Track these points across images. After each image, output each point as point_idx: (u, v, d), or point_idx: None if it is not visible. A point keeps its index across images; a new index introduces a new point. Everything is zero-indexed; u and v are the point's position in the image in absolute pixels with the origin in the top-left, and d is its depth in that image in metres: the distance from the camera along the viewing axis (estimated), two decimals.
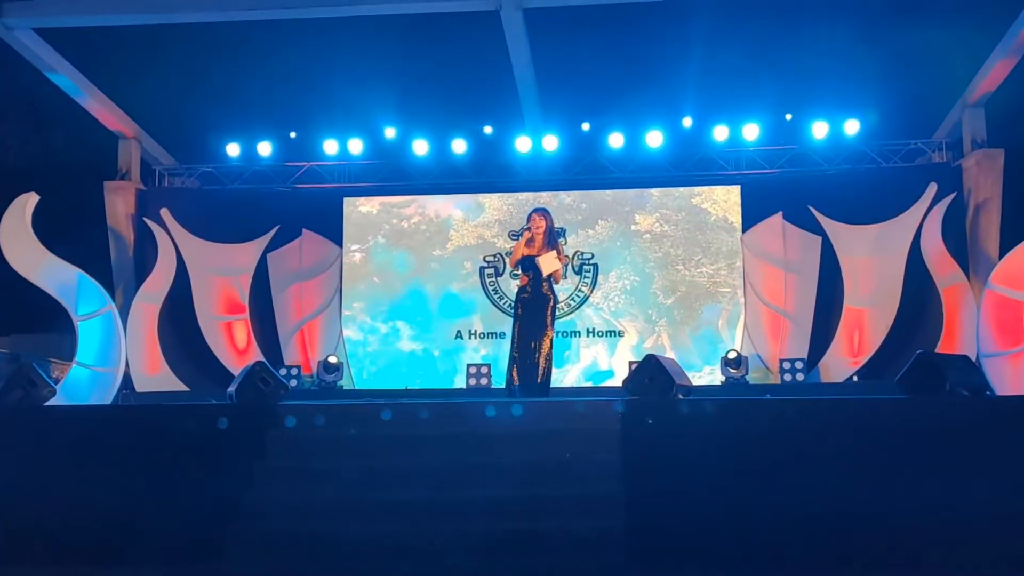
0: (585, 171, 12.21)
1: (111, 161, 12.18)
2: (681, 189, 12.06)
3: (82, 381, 9.81)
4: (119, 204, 12.03)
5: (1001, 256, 9.78)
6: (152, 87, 11.28)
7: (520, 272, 7.51)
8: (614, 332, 11.88)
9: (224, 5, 9.76)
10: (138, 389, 11.18)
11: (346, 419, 5.71)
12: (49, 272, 9.97)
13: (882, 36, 10.11)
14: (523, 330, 7.31)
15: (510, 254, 11.63)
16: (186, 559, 5.00)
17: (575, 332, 11.86)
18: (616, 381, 11.08)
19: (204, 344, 11.86)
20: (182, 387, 11.36)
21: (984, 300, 9.26)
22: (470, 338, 12.02)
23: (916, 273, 11.02)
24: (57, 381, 8.43)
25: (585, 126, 12.04)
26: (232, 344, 11.98)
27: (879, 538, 4.81)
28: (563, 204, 12.09)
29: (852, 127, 11.61)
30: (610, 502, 5.01)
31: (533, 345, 7.26)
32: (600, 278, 12.00)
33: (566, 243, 11.87)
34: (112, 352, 9.98)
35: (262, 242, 12.18)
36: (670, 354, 11.11)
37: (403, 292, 12.24)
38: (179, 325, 11.95)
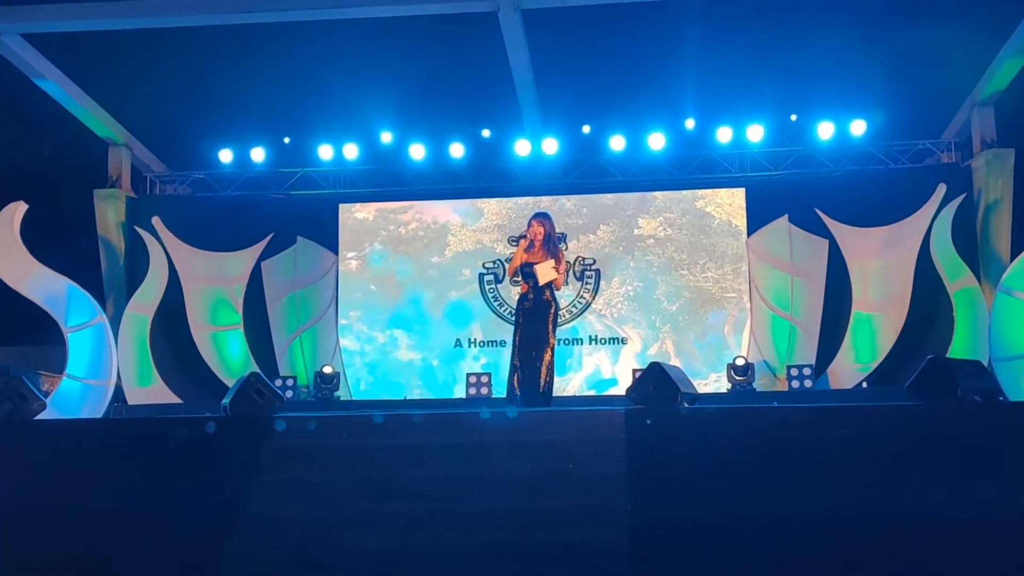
0: (586, 175, 12.22)
1: (101, 168, 12.18)
2: (684, 192, 12.07)
3: (73, 394, 9.81)
4: (109, 212, 12.04)
5: (1013, 258, 9.78)
6: (143, 93, 11.30)
7: (520, 279, 7.51)
8: (617, 339, 11.88)
9: (216, 8, 9.78)
10: (130, 402, 11.16)
11: (341, 430, 5.70)
12: (38, 283, 9.97)
13: (888, 33, 10.13)
14: (524, 338, 7.31)
15: (510, 260, 11.71)
16: (180, 574, 4.99)
17: (577, 340, 11.86)
18: (619, 390, 11.07)
19: (197, 355, 11.86)
20: (175, 399, 11.35)
21: (996, 303, 9.26)
22: (470, 347, 12.02)
23: (926, 276, 11.01)
24: (47, 394, 8.42)
25: (585, 129, 12.05)
26: (226, 355, 11.97)
27: (888, 546, 4.80)
28: (564, 209, 12.10)
29: (858, 127, 11.62)
30: (614, 513, 5.00)
31: (534, 353, 7.25)
32: (602, 284, 12.00)
33: (567, 248, 11.88)
34: (103, 364, 9.98)
35: (256, 250, 12.19)
36: (675, 361, 11.12)
37: (401, 300, 12.24)
38: (172, 336, 11.95)
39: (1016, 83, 10.50)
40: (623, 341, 11.86)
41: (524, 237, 7.50)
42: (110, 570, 5.08)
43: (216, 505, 5.20)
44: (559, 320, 7.66)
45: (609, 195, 12.20)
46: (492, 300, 12.09)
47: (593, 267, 12.05)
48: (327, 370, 11.44)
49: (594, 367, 11.85)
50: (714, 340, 11.72)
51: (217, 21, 9.88)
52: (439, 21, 9.96)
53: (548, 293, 7.37)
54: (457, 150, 12.15)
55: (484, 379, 11.11)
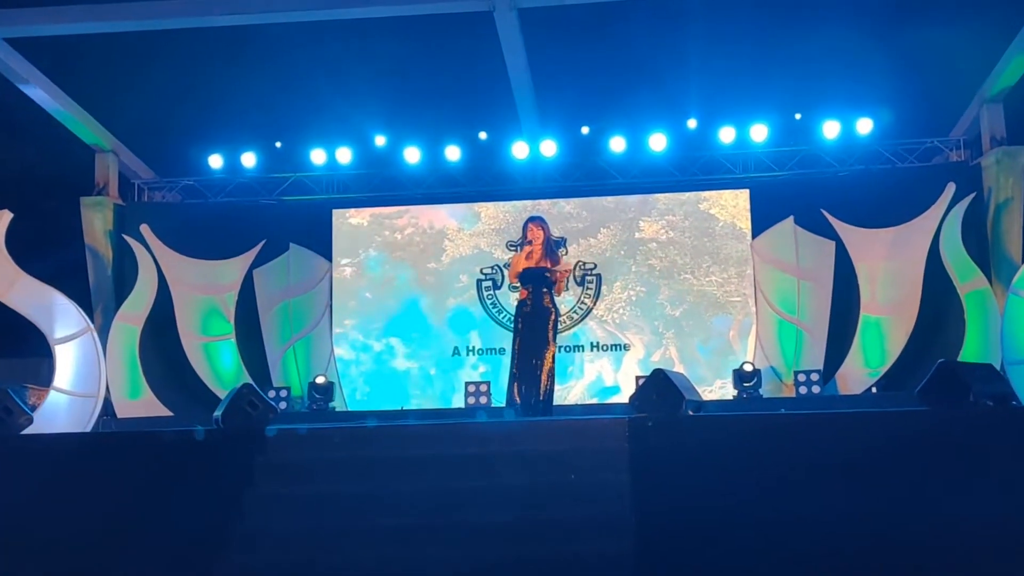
0: (585, 177, 12.24)
1: (88, 176, 12.19)
2: (687, 194, 12.08)
3: (60, 408, 9.78)
4: (97, 220, 12.04)
5: None
6: (130, 98, 11.30)
7: (520, 285, 7.51)
8: (619, 346, 11.87)
9: (204, 10, 9.80)
10: (119, 415, 11.16)
11: (335, 441, 5.70)
12: (24, 293, 9.95)
13: (895, 29, 10.14)
14: (524, 345, 7.31)
15: (508, 266, 11.71)
16: None
17: (578, 346, 11.86)
18: (622, 397, 11.07)
19: (188, 366, 11.85)
20: (166, 412, 11.33)
21: (1008, 304, 9.25)
22: (468, 355, 12.01)
23: (935, 278, 11.02)
24: (34, 408, 8.40)
25: (585, 130, 12.07)
26: (217, 366, 11.96)
27: (899, 555, 4.80)
28: (563, 212, 12.10)
29: (865, 126, 11.64)
30: (618, 525, 4.99)
31: (535, 361, 7.25)
32: (603, 289, 12.00)
33: (567, 253, 11.88)
34: (91, 376, 9.94)
35: (247, 258, 12.18)
36: (679, 368, 11.10)
37: (397, 308, 12.23)
38: (162, 347, 11.94)
39: None
40: (625, 347, 11.86)
41: (528, 242, 7.48)
42: None
43: (208, 520, 5.19)
44: (560, 326, 7.64)
45: (610, 198, 12.21)
46: (491, 306, 12.09)
47: (594, 272, 12.05)
48: (321, 380, 11.43)
49: (596, 374, 11.84)
50: (719, 346, 11.72)
51: (206, 23, 9.90)
52: (434, 21, 9.98)
53: (548, 299, 7.37)
54: (453, 153, 12.16)
55: (483, 388, 11.10)
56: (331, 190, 12.54)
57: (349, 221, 12.50)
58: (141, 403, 11.48)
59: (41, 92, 10.83)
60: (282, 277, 12.25)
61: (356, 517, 5.23)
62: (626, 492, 5.14)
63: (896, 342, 11.06)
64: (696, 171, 12.04)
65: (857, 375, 11.17)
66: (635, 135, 11.91)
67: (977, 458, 5.03)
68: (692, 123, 11.84)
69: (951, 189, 11.13)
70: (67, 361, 9.94)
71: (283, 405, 11.07)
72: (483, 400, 10.98)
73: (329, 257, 12.35)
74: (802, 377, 10.97)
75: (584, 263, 12.05)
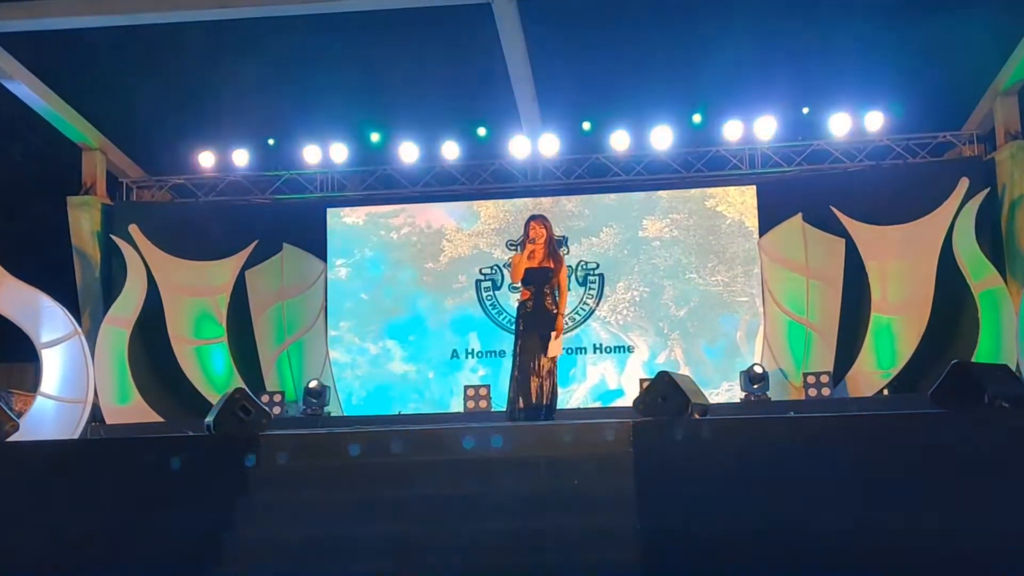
0: (587, 174, 12.24)
1: (74, 175, 12.18)
2: (692, 191, 12.08)
3: (47, 414, 9.79)
4: (84, 221, 12.03)
5: None
6: (117, 94, 11.30)
7: (521, 286, 7.49)
8: (623, 348, 11.86)
9: (194, 3, 9.79)
10: (108, 421, 11.14)
11: (328, 449, 5.69)
12: (9, 296, 9.96)
13: (905, 21, 10.14)
14: (525, 348, 7.29)
15: (508, 266, 11.69)
16: None
17: (581, 348, 11.85)
18: (626, 401, 11.07)
19: (179, 371, 11.84)
20: (156, 418, 11.33)
21: (1023, 303, 9.26)
22: (467, 358, 12.00)
23: (949, 276, 11.01)
24: (20, 414, 8.41)
25: (586, 125, 12.06)
26: (209, 370, 11.96)
27: (912, 561, 4.78)
28: (564, 210, 12.10)
29: (875, 120, 11.63)
30: (622, 534, 4.98)
31: (536, 364, 7.23)
32: (606, 289, 11.99)
33: (568, 252, 11.88)
34: (79, 382, 9.96)
35: (240, 258, 12.18)
36: (684, 370, 11.09)
37: (393, 309, 12.23)
38: (151, 351, 11.93)
39: None
40: (629, 349, 11.85)
41: (530, 241, 7.46)
42: None
43: (199, 530, 5.18)
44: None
45: (612, 195, 12.21)
46: (490, 308, 12.08)
47: (596, 272, 12.04)
48: (312, 385, 11.42)
49: (599, 377, 11.83)
50: (726, 347, 11.71)
51: (195, 17, 9.89)
52: (431, 14, 9.98)
53: (551, 300, 7.35)
54: (451, 150, 12.15)
55: (483, 392, 11.09)
56: (325, 188, 12.53)
57: (344, 220, 12.49)
58: (130, 409, 11.47)
59: (25, 88, 10.82)
60: (275, 278, 12.25)
61: (351, 525, 5.22)
62: (630, 499, 5.13)
63: (908, 343, 11.05)
64: (701, 167, 12.04)
65: (868, 377, 11.16)
66: (638, 131, 11.90)
67: (993, 461, 5.02)
68: (697, 118, 11.83)
69: (964, 185, 11.12)
70: (54, 366, 9.95)
71: (277, 410, 11.06)
72: (483, 404, 10.97)
73: (324, 257, 12.34)
74: (811, 379, 10.96)
75: (586, 263, 12.04)
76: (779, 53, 10.62)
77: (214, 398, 10.42)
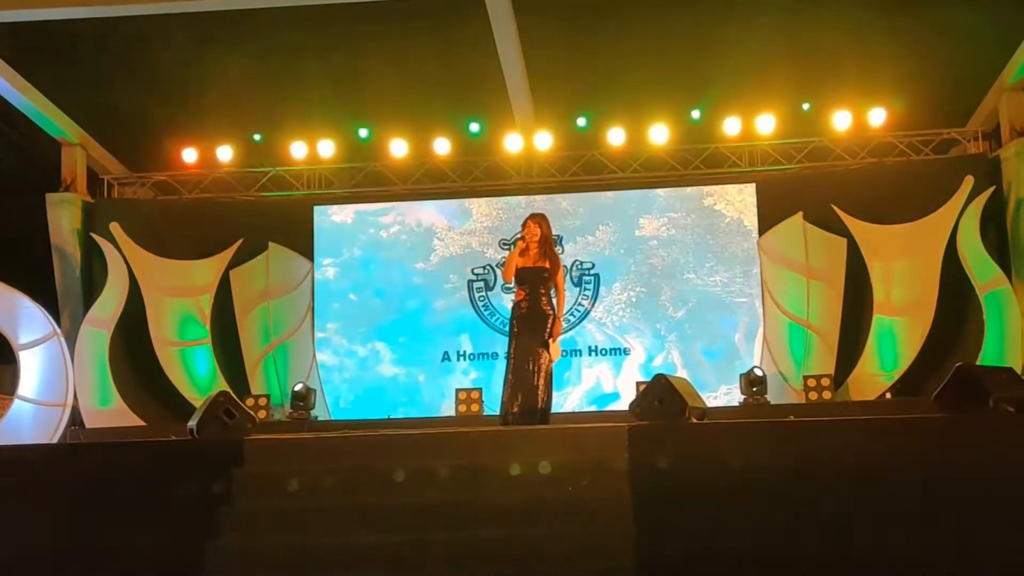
0: (582, 171, 12.23)
1: (54, 171, 12.14)
2: (690, 189, 12.08)
3: (25, 417, 9.78)
4: (63, 219, 11.99)
5: None
6: (98, 88, 11.28)
7: (515, 286, 7.49)
8: (619, 350, 11.87)
9: None
10: (88, 425, 11.11)
11: (315, 455, 5.68)
12: None
13: (909, 14, 10.16)
14: (519, 350, 7.28)
15: (501, 266, 11.68)
16: None
17: (575, 351, 11.84)
18: (622, 404, 11.04)
19: (161, 373, 11.81)
20: (138, 422, 11.29)
21: None
22: (459, 360, 11.99)
23: (953, 277, 11.03)
24: None
25: (581, 121, 12.05)
26: (192, 373, 11.93)
27: (916, 570, 4.79)
28: (559, 208, 12.09)
29: (877, 116, 11.64)
30: (619, 540, 4.98)
31: (531, 367, 7.23)
32: (602, 290, 11.99)
33: (563, 251, 11.86)
34: (58, 384, 9.95)
35: (224, 258, 12.15)
36: (682, 373, 11.09)
37: (383, 310, 12.21)
38: (133, 353, 11.90)
39: None
40: (625, 352, 11.85)
41: (520, 238, 7.47)
42: None
43: (182, 538, 5.17)
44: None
45: (608, 193, 12.20)
46: (483, 309, 12.07)
47: (592, 271, 12.04)
48: (298, 388, 11.40)
49: (594, 380, 11.83)
50: (724, 349, 11.71)
51: (177, 9, 9.87)
52: (420, 5, 9.97)
53: (546, 300, 7.35)
54: (442, 146, 12.14)
55: (475, 395, 11.08)
56: (312, 186, 12.50)
57: (332, 218, 12.47)
58: (111, 412, 11.43)
59: (3, 82, 10.79)
60: (260, 278, 12.22)
61: (339, 534, 5.21)
62: (627, 505, 5.13)
63: (911, 345, 11.07)
64: (700, 165, 12.04)
65: (870, 380, 11.18)
66: (635, 127, 11.89)
67: (998, 466, 5.03)
68: (695, 114, 11.83)
69: (969, 183, 11.14)
70: (32, 368, 9.94)
71: (262, 414, 11.03)
72: (475, 408, 10.96)
73: (311, 257, 12.32)
74: (812, 382, 10.96)
75: (581, 262, 12.04)
76: (780, 47, 10.63)
77: (197, 401, 10.40)
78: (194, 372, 11.95)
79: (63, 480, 5.59)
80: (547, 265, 7.38)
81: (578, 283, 11.99)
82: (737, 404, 11.03)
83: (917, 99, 11.42)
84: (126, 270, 11.96)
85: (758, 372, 10.97)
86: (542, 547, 5.02)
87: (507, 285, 7.63)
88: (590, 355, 11.88)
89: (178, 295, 12.08)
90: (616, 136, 11.94)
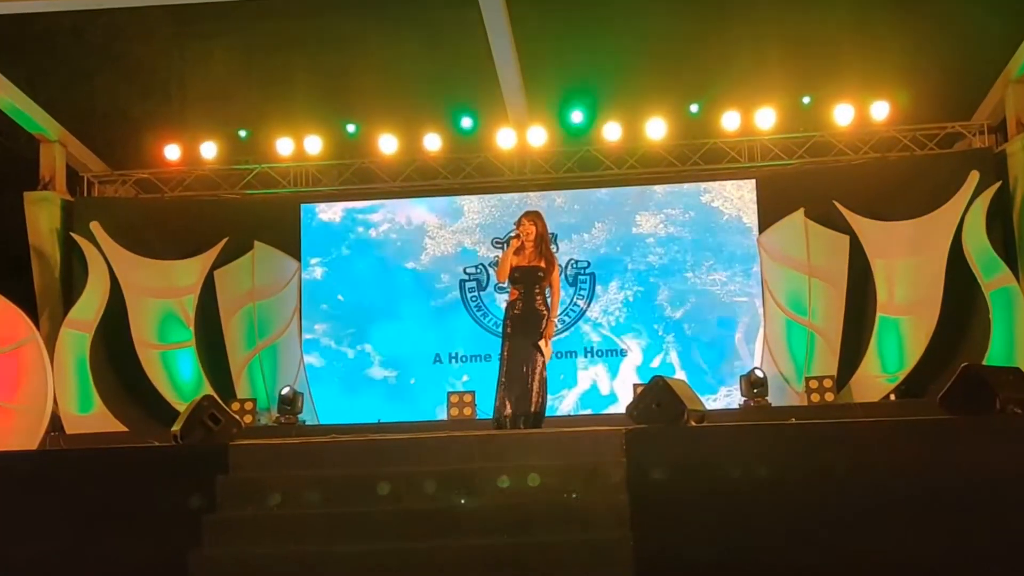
0: (577, 167, 12.22)
1: (32, 169, 12.10)
2: (687, 185, 12.09)
3: (2, 423, 9.72)
4: (42, 218, 11.95)
5: None
6: (78, 83, 11.25)
7: (509, 285, 7.48)
8: (615, 351, 11.87)
9: None
10: (69, 431, 11.08)
11: (303, 461, 5.67)
12: None
13: (912, 5, 10.17)
14: (513, 352, 7.29)
15: (495, 265, 11.68)
16: None
17: (570, 352, 11.84)
18: (619, 407, 11.05)
19: (144, 377, 11.78)
20: (120, 427, 11.26)
21: None
22: (451, 362, 11.98)
23: (958, 274, 11.04)
24: None
25: (576, 116, 12.05)
26: (176, 376, 11.91)
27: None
28: (553, 206, 12.09)
29: (880, 110, 11.65)
30: (615, 549, 4.98)
31: (525, 369, 7.23)
32: (598, 289, 11.99)
33: (558, 250, 11.86)
34: (37, 389, 9.89)
35: (208, 257, 12.12)
36: (680, 375, 11.11)
37: (372, 311, 12.19)
38: (114, 356, 11.88)
39: None
40: (622, 353, 11.85)
41: (515, 236, 7.46)
42: None
43: (166, 546, 5.15)
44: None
45: (604, 190, 12.20)
46: (475, 309, 12.07)
47: (587, 271, 12.04)
48: (285, 392, 11.38)
49: (590, 382, 11.83)
50: (724, 350, 11.72)
51: (161, 0, 9.83)
52: None
53: (541, 300, 7.35)
54: (433, 142, 12.13)
55: (467, 399, 11.07)
56: (299, 183, 12.48)
57: (319, 217, 12.46)
58: (92, 417, 11.40)
59: None
60: (246, 278, 12.19)
61: (327, 542, 5.20)
62: (624, 511, 5.13)
63: (916, 345, 11.08)
64: (698, 160, 12.04)
65: (874, 381, 11.19)
66: (631, 121, 11.89)
67: (1005, 469, 5.04)
68: (693, 108, 11.83)
69: (974, 178, 11.15)
70: (10, 372, 9.88)
71: (248, 419, 11.01)
72: (467, 412, 10.95)
73: (298, 256, 12.30)
74: (814, 383, 10.98)
75: (576, 261, 12.04)
76: (780, 39, 10.63)
77: (181, 406, 10.35)
78: (177, 376, 11.92)
79: (43, 488, 5.57)
80: (542, 264, 7.38)
81: (573, 282, 11.99)
82: (737, 406, 11.04)
83: (921, 92, 11.42)
84: (107, 270, 11.93)
85: (759, 373, 10.98)
86: (537, 555, 5.02)
87: (501, 285, 7.63)
88: (585, 356, 11.88)
89: (161, 296, 12.05)
90: (612, 131, 11.94)
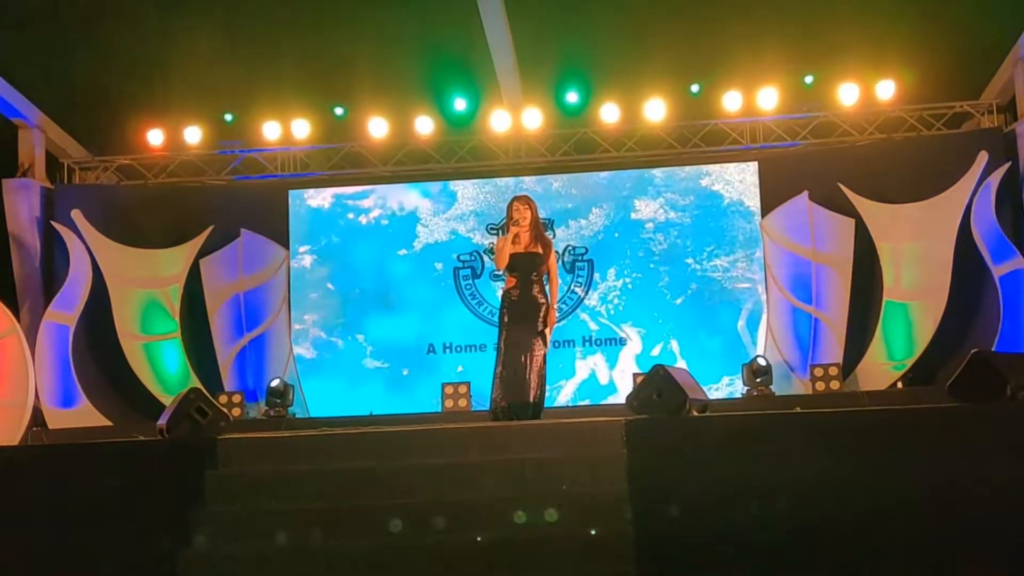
0: (574, 150, 12.22)
1: (9, 155, 12.07)
2: (688, 168, 12.08)
3: None
4: (21, 206, 11.93)
5: None
6: (57, 66, 11.19)
7: (505, 273, 7.48)
8: (614, 340, 11.88)
9: None
10: (51, 425, 11.09)
11: (293, 455, 5.67)
12: None
13: None
14: (510, 341, 7.29)
15: (488, 252, 11.68)
16: None
17: (568, 341, 11.85)
18: (619, 398, 11.07)
19: (128, 370, 11.79)
20: (104, 421, 11.28)
21: None
22: (445, 353, 11.99)
23: (967, 258, 11.06)
24: None
25: (573, 97, 12.03)
26: (161, 369, 11.91)
27: (928, 568, 4.82)
28: (550, 190, 12.08)
29: (886, 89, 11.65)
30: (616, 542, 4.99)
31: (523, 359, 7.23)
32: (596, 276, 12.00)
33: (554, 236, 11.86)
34: (18, 382, 9.90)
35: (193, 246, 12.11)
36: (681, 364, 11.12)
37: (363, 300, 12.19)
38: (98, 348, 11.88)
39: None
40: (621, 342, 11.86)
41: (513, 223, 7.44)
42: None
43: (152, 542, 5.16)
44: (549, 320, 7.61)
45: (602, 174, 12.20)
46: (470, 298, 12.06)
47: (585, 257, 12.04)
48: (275, 384, 11.38)
49: (588, 372, 11.84)
50: (726, 338, 11.73)
51: None
52: None
53: (538, 288, 7.34)
54: (424, 125, 12.10)
55: (462, 390, 11.08)
56: (287, 168, 12.48)
57: (308, 203, 12.44)
58: (75, 412, 11.41)
59: None
60: (233, 267, 12.19)
61: (318, 537, 5.20)
62: (624, 504, 5.14)
63: (924, 331, 11.11)
64: (698, 142, 12.04)
65: (880, 369, 11.22)
66: (630, 103, 11.88)
67: (1016, 459, 5.05)
68: (694, 88, 11.81)
69: (983, 159, 11.16)
70: None
71: (236, 412, 11.02)
72: (462, 404, 10.96)
73: (286, 244, 12.29)
74: (819, 372, 11.00)
75: (574, 247, 12.04)
76: (782, 16, 10.61)
77: (166, 399, 10.40)
78: (163, 368, 11.93)
79: (25, 484, 5.57)
80: (539, 250, 7.38)
81: (571, 269, 11.99)
82: (740, 396, 11.06)
83: (928, 70, 11.41)
84: (89, 260, 11.92)
85: (762, 362, 11.00)
86: (535, 548, 5.03)
87: (497, 272, 7.63)
88: (584, 345, 11.88)
89: (145, 286, 12.04)
90: (610, 113, 11.92)
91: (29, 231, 11.99)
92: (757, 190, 11.89)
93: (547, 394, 7.50)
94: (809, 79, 11.82)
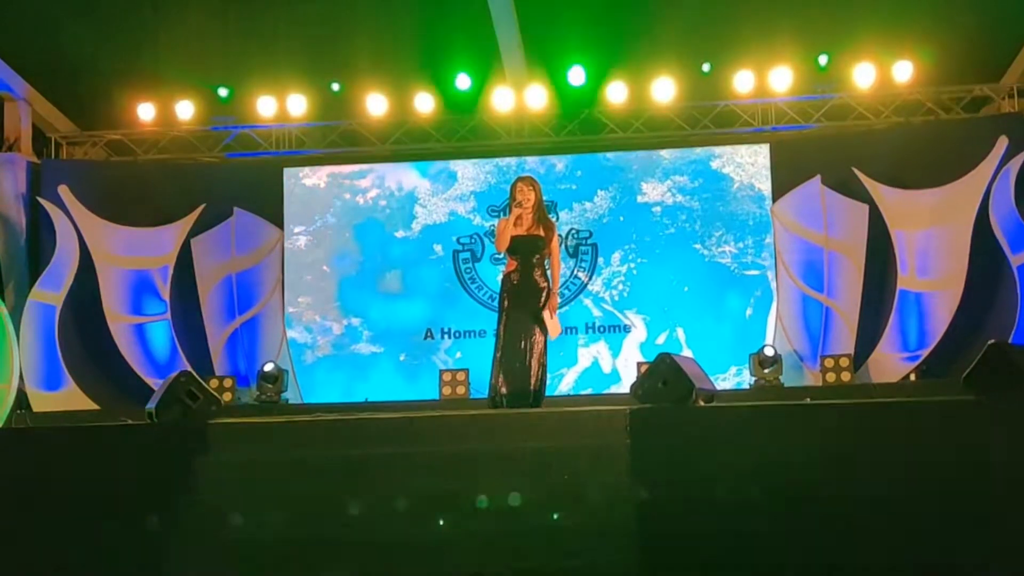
0: (579, 130, 12.22)
1: None
2: (697, 150, 12.08)
3: None
4: (7, 181, 11.93)
5: None
6: (44, 37, 11.16)
7: (506, 256, 7.46)
8: (618, 327, 11.88)
9: None
10: (36, 409, 11.11)
11: (286, 441, 5.67)
12: None
13: None
14: (511, 327, 7.27)
15: (489, 234, 11.67)
16: None
17: (571, 328, 11.84)
18: (623, 387, 11.10)
19: (116, 352, 11.81)
20: (91, 405, 11.32)
21: None
22: (443, 338, 12.00)
23: (985, 247, 11.06)
24: None
25: (578, 75, 11.99)
26: (150, 351, 11.92)
27: (942, 568, 4.81)
28: (553, 171, 12.07)
29: (903, 71, 11.62)
30: (620, 534, 4.99)
31: (523, 345, 7.22)
32: (600, 261, 12.00)
33: (558, 219, 11.86)
34: (2, 364, 9.90)
35: (184, 224, 12.12)
36: (687, 352, 11.13)
37: (359, 283, 12.19)
38: (85, 329, 11.90)
39: None
40: (626, 329, 11.87)
41: (516, 204, 7.41)
42: None
43: (140, 535, 5.16)
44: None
45: (608, 154, 12.19)
46: (469, 282, 12.06)
47: (589, 241, 12.03)
48: (268, 368, 11.40)
49: (591, 360, 11.85)
50: (734, 326, 11.74)
51: None
52: None
53: (540, 272, 7.33)
54: (424, 103, 12.08)
55: (460, 377, 11.10)
56: (282, 145, 12.47)
57: (303, 182, 12.43)
58: (61, 395, 11.44)
59: None
60: (225, 247, 12.20)
61: (311, 525, 5.20)
62: (627, 496, 5.14)
63: (939, 321, 11.11)
64: (708, 124, 12.03)
65: (893, 360, 11.23)
66: (637, 81, 11.85)
67: None
68: (705, 67, 11.79)
69: (1003, 144, 11.14)
70: None
71: (227, 396, 11.06)
72: (460, 391, 10.98)
73: (280, 224, 12.30)
74: (830, 362, 11.02)
75: (578, 231, 12.03)
76: None
77: (156, 383, 10.42)
78: (152, 350, 11.96)
79: (9, 469, 5.56)
80: (542, 232, 7.35)
81: (574, 254, 11.99)
82: (748, 386, 11.09)
83: (947, 52, 11.38)
84: (76, 238, 11.92)
85: (770, 351, 11.02)
86: (536, 540, 5.04)
87: (498, 255, 7.61)
88: (587, 333, 11.89)
89: (134, 265, 12.06)
90: (617, 92, 11.89)
91: (14, 207, 11.99)
92: (768, 173, 11.88)
93: (548, 382, 7.49)
94: (824, 59, 11.77)
